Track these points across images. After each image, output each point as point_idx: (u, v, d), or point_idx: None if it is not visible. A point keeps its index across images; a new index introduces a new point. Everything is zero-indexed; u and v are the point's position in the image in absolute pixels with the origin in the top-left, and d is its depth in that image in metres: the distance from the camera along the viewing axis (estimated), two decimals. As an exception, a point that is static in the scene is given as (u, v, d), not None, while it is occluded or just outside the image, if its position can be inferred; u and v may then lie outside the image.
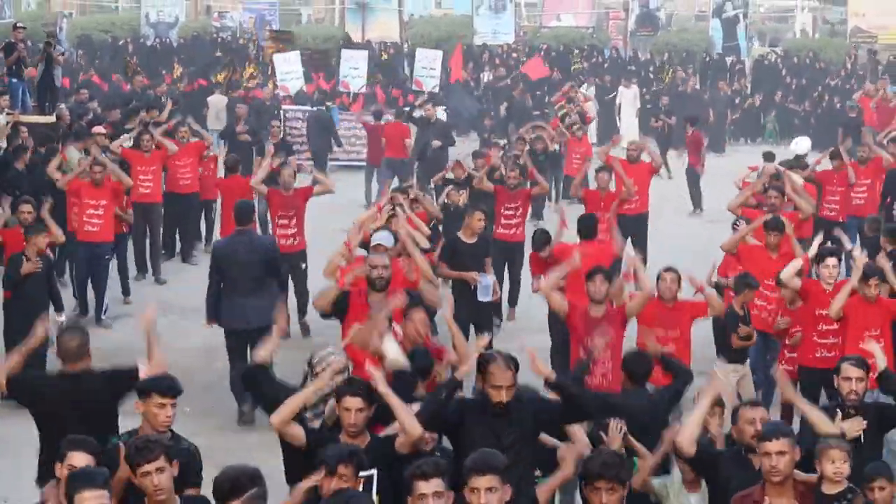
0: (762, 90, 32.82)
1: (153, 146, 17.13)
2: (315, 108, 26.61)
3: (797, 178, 14.67)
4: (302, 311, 14.72)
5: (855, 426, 7.84)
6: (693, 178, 22.84)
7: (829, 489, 6.89)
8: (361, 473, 6.71)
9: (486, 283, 12.91)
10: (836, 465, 6.86)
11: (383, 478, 6.97)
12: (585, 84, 30.87)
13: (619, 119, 30.73)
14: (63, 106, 20.74)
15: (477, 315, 12.95)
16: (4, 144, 17.68)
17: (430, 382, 8.49)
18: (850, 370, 8.23)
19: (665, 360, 9.14)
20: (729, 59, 35.03)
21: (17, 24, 21.98)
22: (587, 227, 13.09)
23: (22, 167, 16.06)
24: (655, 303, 10.69)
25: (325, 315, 10.32)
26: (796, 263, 11.08)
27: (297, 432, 7.18)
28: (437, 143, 21.20)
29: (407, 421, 7.09)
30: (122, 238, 15.99)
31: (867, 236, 14.63)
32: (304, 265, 14.66)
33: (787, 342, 11.43)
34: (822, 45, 36.66)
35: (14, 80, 20.33)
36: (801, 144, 18.92)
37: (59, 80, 21.54)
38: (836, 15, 40.03)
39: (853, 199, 16.55)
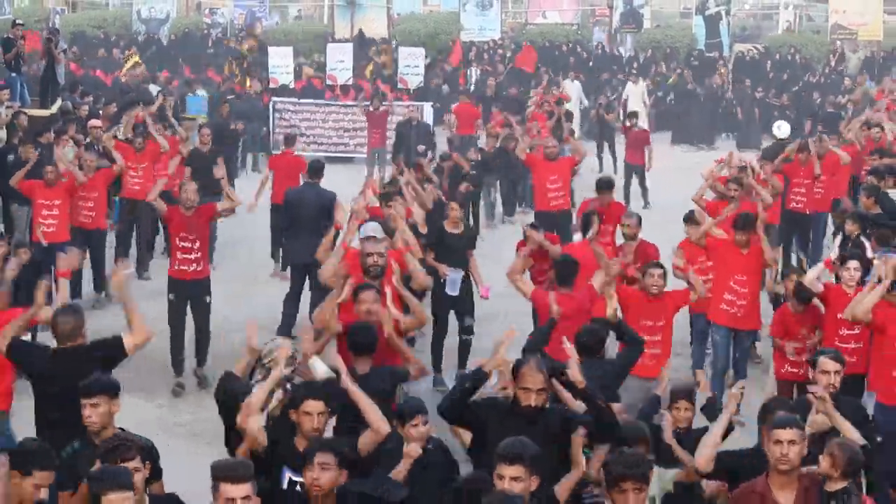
0: (744, 86, 33.30)
1: (145, 143, 17.22)
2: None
3: (768, 168, 15.12)
4: (201, 357, 13.32)
5: (826, 419, 7.86)
6: (640, 174, 22.87)
7: (830, 487, 6.95)
8: None
9: (452, 278, 13.04)
10: (824, 465, 6.92)
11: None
12: (570, 79, 31.27)
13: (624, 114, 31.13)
14: (67, 101, 21.09)
15: (454, 303, 13.22)
16: (4, 137, 18.08)
17: (376, 357, 8.61)
18: (827, 364, 8.39)
19: (620, 326, 9.52)
20: (711, 56, 35.53)
21: (16, 21, 22.43)
22: (588, 225, 12.94)
23: (27, 158, 15.92)
24: (642, 296, 10.87)
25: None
26: (819, 267, 11.17)
27: (261, 438, 7.08)
28: (421, 147, 21.23)
29: (375, 419, 7.12)
30: (101, 234, 16.02)
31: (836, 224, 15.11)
32: (207, 298, 13.20)
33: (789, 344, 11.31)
34: (803, 41, 37.15)
35: (13, 75, 20.72)
36: (783, 129, 19.31)
37: (61, 77, 21.90)
38: (819, 12, 40.49)
39: (814, 195, 16.65)
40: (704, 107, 31.46)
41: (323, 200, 14.63)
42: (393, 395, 8.35)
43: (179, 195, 13.30)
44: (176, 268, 13.07)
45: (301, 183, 16.35)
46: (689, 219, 13.10)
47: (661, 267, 11.04)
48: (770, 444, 6.68)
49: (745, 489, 6.83)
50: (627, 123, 23.54)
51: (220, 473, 6.10)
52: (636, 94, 31.03)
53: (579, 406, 7.39)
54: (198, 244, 13.03)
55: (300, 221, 14.74)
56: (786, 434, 6.63)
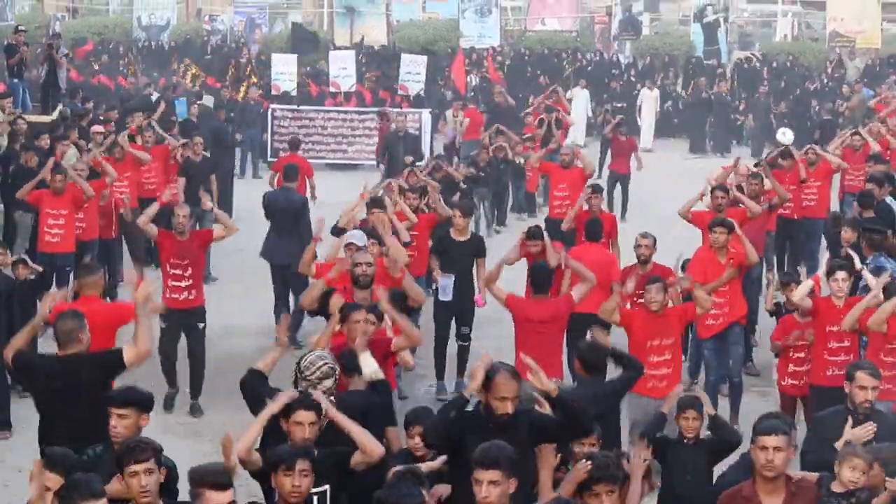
0: (742, 93, 33.43)
1: (124, 153, 17.00)
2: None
3: (767, 182, 15.12)
4: (195, 389, 12.66)
5: (864, 432, 7.82)
6: (624, 183, 22.54)
7: (839, 489, 7.02)
8: (314, 490, 6.69)
9: (443, 284, 12.91)
10: (854, 475, 7.04)
11: (336, 494, 6.94)
12: (578, 87, 31.46)
13: (640, 120, 31.24)
14: (67, 107, 21.21)
15: (449, 309, 13.12)
16: (5, 143, 18.15)
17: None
18: (865, 379, 8.32)
19: (615, 353, 9.42)
20: (709, 63, 35.68)
21: (19, 27, 22.55)
22: (593, 230, 13.14)
23: (33, 165, 15.82)
24: (645, 315, 10.54)
25: (311, 313, 10.72)
26: (808, 284, 10.99)
27: (256, 461, 6.91)
28: (408, 158, 20.80)
29: (367, 444, 7.00)
30: (93, 245, 15.63)
31: (830, 232, 15.19)
32: (202, 325, 12.58)
33: (790, 354, 11.29)
34: (801, 49, 37.28)
35: (15, 81, 20.84)
36: (788, 135, 19.31)
37: (63, 82, 21.98)
38: (817, 19, 40.63)
39: (803, 201, 16.64)
40: (718, 115, 31.45)
41: (291, 205, 15.02)
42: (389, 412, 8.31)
43: (173, 220, 12.57)
44: (168, 296, 12.30)
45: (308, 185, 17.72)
46: (715, 224, 12.66)
47: (660, 281, 10.68)
48: (756, 451, 6.64)
49: (732, 493, 6.83)
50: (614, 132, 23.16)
51: (204, 480, 6.06)
52: (650, 101, 31.16)
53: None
54: (190, 271, 12.31)
55: (274, 223, 15.06)
56: (771, 441, 6.57)
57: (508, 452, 6.28)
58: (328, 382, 7.77)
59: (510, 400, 7.06)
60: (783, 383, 11.33)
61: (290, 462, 6.47)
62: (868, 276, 11.06)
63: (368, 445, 6.99)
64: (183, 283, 12.29)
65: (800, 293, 10.89)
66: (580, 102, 30.54)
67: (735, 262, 12.14)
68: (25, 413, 10.42)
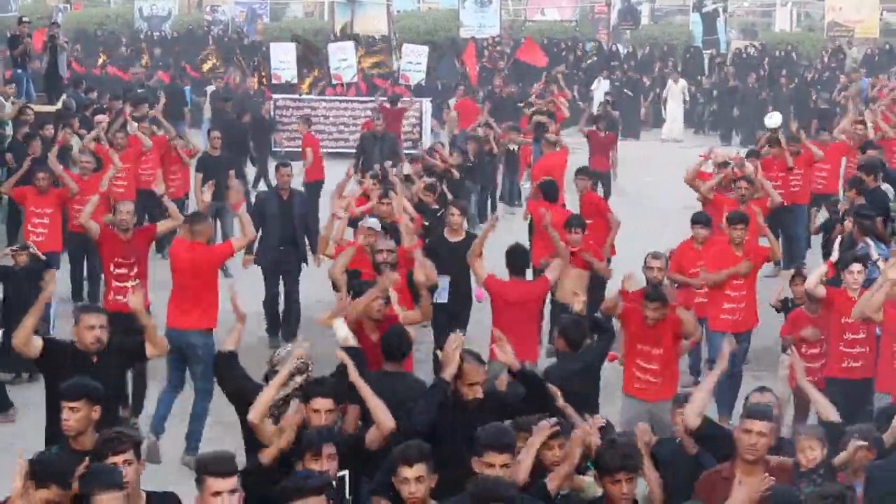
0: (741, 83, 33.49)
1: (126, 143, 16.88)
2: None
3: (749, 167, 15.36)
4: (137, 405, 11.53)
5: None
6: (605, 181, 21.66)
7: (804, 465, 7.25)
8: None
9: (441, 285, 12.51)
10: (814, 453, 7.24)
11: (354, 478, 6.97)
12: (599, 79, 31.59)
13: (665, 111, 31.43)
14: (70, 97, 21.37)
15: (445, 312, 12.79)
16: (11, 132, 18.33)
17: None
18: None
19: (593, 320, 9.73)
20: (708, 53, 35.82)
21: (23, 19, 22.72)
22: (549, 192, 13.53)
23: (38, 154, 15.78)
24: (640, 322, 10.20)
25: (336, 288, 10.45)
26: (821, 269, 10.88)
27: (272, 430, 7.01)
28: (388, 163, 19.51)
29: (380, 414, 7.05)
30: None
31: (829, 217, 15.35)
32: None
33: (803, 351, 10.74)
34: (799, 39, 37.40)
35: (19, 71, 21.02)
36: (774, 118, 19.50)
37: (62, 69, 22.06)
38: (816, 9, 40.74)
39: (791, 187, 16.86)
40: (745, 105, 31.41)
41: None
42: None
43: (114, 216, 11.93)
44: (111, 299, 11.42)
45: (321, 162, 18.74)
46: (698, 221, 12.80)
47: (660, 299, 10.13)
48: (740, 432, 6.86)
49: (712, 474, 7.02)
50: (593, 126, 22.29)
51: (207, 468, 6.04)
52: (676, 93, 31.20)
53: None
54: (135, 270, 11.60)
55: None
56: (758, 426, 6.81)
57: (513, 437, 6.61)
58: (299, 378, 7.66)
59: (479, 385, 7.49)
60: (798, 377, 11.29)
61: (317, 447, 6.47)
62: (883, 265, 10.87)
63: (381, 417, 7.05)
64: (128, 284, 11.41)
65: (812, 280, 10.81)
66: (602, 93, 30.68)
67: (755, 262, 12.18)
68: (32, 395, 10.52)
